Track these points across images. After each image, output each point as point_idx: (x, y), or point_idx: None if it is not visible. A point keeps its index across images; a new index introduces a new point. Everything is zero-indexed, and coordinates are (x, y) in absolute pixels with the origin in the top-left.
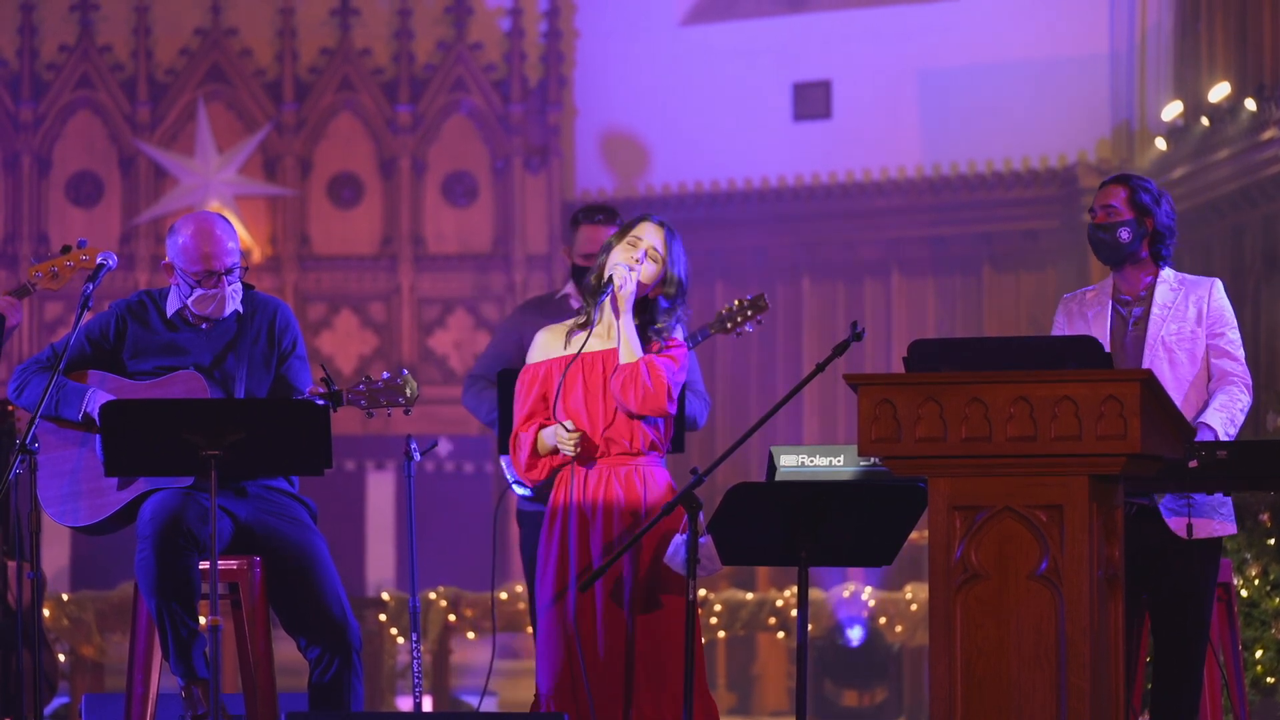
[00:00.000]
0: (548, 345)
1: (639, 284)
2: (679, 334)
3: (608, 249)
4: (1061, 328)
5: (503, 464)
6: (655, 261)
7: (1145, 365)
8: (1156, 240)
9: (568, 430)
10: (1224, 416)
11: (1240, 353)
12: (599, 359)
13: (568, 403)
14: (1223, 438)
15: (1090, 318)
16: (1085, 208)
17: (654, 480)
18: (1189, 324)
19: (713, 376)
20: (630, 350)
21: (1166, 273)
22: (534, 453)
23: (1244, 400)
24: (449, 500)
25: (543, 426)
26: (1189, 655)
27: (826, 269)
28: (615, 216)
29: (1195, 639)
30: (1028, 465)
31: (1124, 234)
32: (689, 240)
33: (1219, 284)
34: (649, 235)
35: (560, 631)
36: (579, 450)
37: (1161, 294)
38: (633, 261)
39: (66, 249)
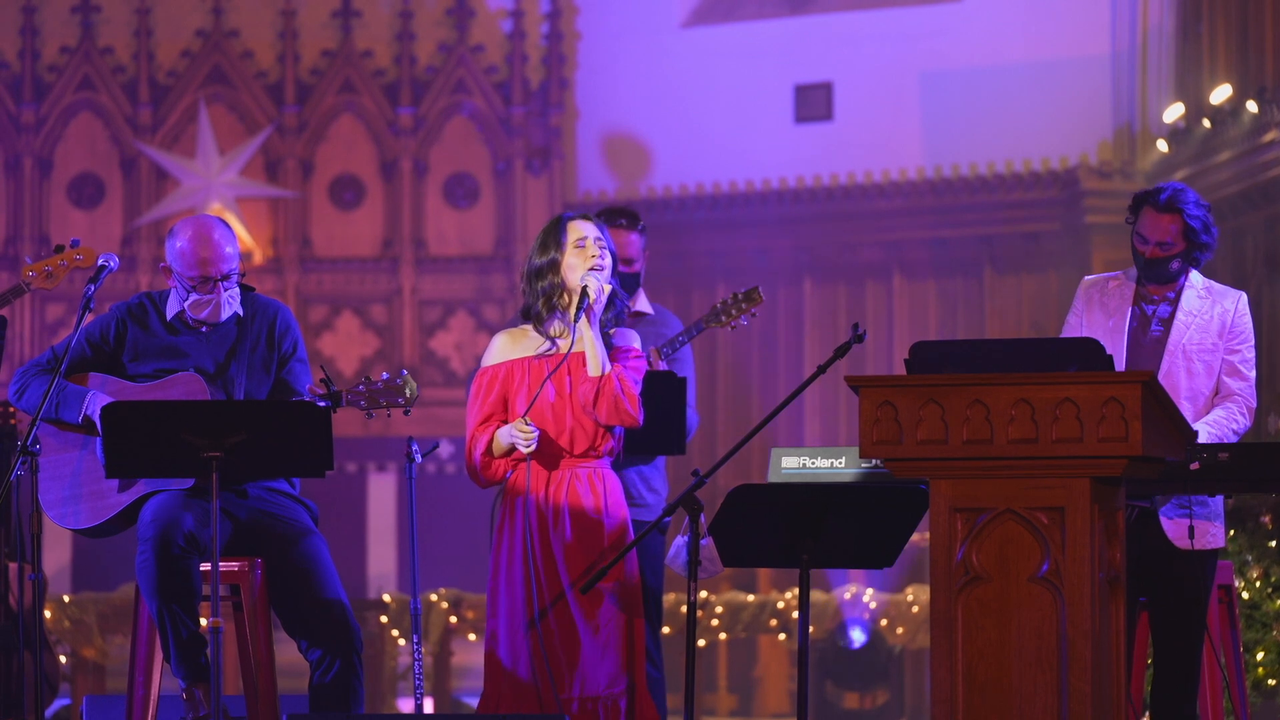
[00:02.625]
0: (506, 348)
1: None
2: (636, 342)
3: (554, 265)
4: (1080, 313)
5: None
6: (605, 250)
7: (1164, 370)
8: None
9: (526, 425)
10: (1212, 432)
11: (1251, 372)
12: (566, 361)
13: (535, 404)
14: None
15: (1111, 309)
16: (1088, 209)
17: (612, 482)
18: (1211, 335)
19: (714, 378)
20: (598, 363)
21: (1195, 276)
22: (488, 452)
23: (1240, 422)
24: (450, 502)
25: (499, 428)
26: (1190, 659)
27: (828, 271)
28: (637, 220)
29: (1197, 643)
30: (1029, 467)
31: (1175, 265)
32: (691, 241)
33: (1244, 298)
34: (590, 230)
35: (521, 631)
36: (534, 448)
37: (1189, 299)
38: (593, 262)
39: (60, 248)
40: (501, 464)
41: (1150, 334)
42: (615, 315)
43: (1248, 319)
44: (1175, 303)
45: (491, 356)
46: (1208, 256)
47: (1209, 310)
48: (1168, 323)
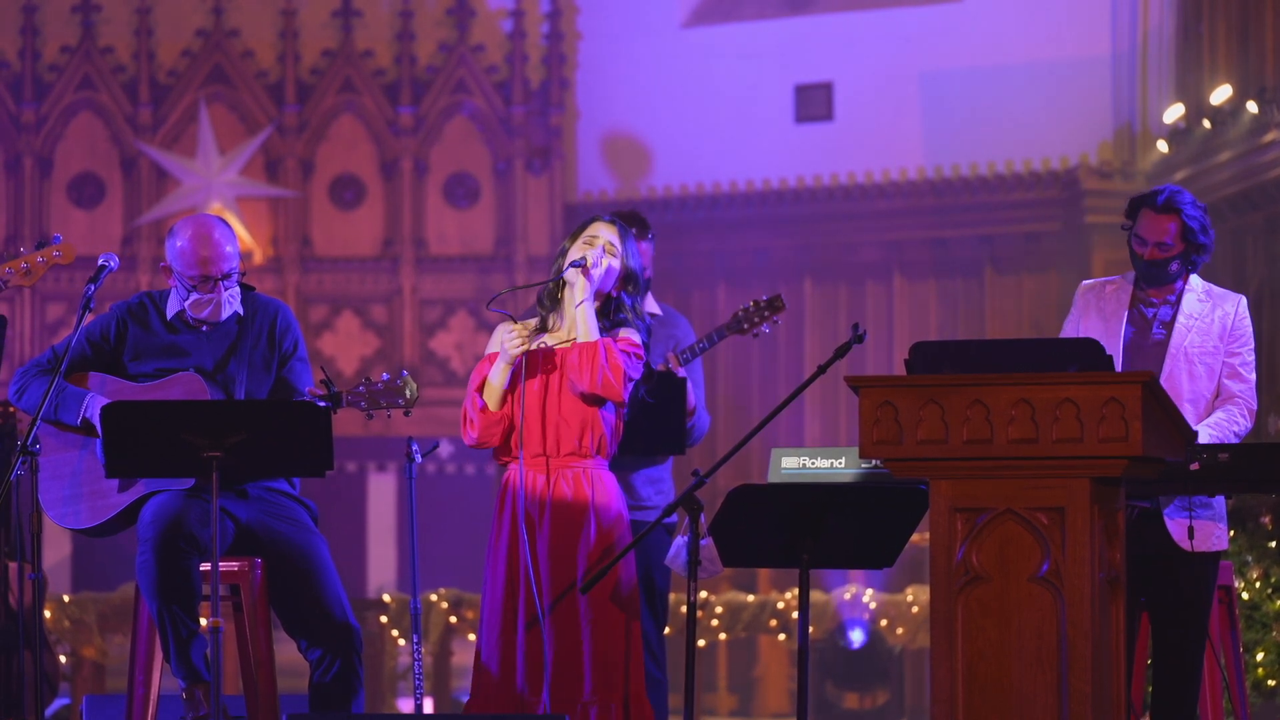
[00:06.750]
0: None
1: (600, 279)
2: (637, 337)
3: (562, 254)
4: (1076, 318)
5: None
6: (613, 256)
7: (1166, 373)
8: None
9: (512, 328)
10: (1213, 434)
11: (1251, 375)
12: (557, 355)
13: (524, 399)
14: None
15: (1108, 313)
16: (1088, 210)
17: (601, 482)
18: (1212, 339)
19: (715, 378)
20: (589, 330)
21: (1195, 280)
22: (480, 391)
23: (1242, 424)
24: (450, 502)
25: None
26: (1191, 660)
27: (828, 271)
28: (646, 228)
29: (1198, 644)
30: (1029, 467)
31: (1174, 267)
32: (690, 242)
33: (1244, 301)
34: (604, 232)
35: (505, 630)
36: (525, 347)
37: (1189, 303)
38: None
39: (41, 244)
40: (497, 420)
41: (1152, 337)
42: (620, 318)
43: (1248, 322)
44: (1176, 306)
45: (492, 345)
46: (1205, 259)
47: (1209, 313)
48: (1169, 326)
